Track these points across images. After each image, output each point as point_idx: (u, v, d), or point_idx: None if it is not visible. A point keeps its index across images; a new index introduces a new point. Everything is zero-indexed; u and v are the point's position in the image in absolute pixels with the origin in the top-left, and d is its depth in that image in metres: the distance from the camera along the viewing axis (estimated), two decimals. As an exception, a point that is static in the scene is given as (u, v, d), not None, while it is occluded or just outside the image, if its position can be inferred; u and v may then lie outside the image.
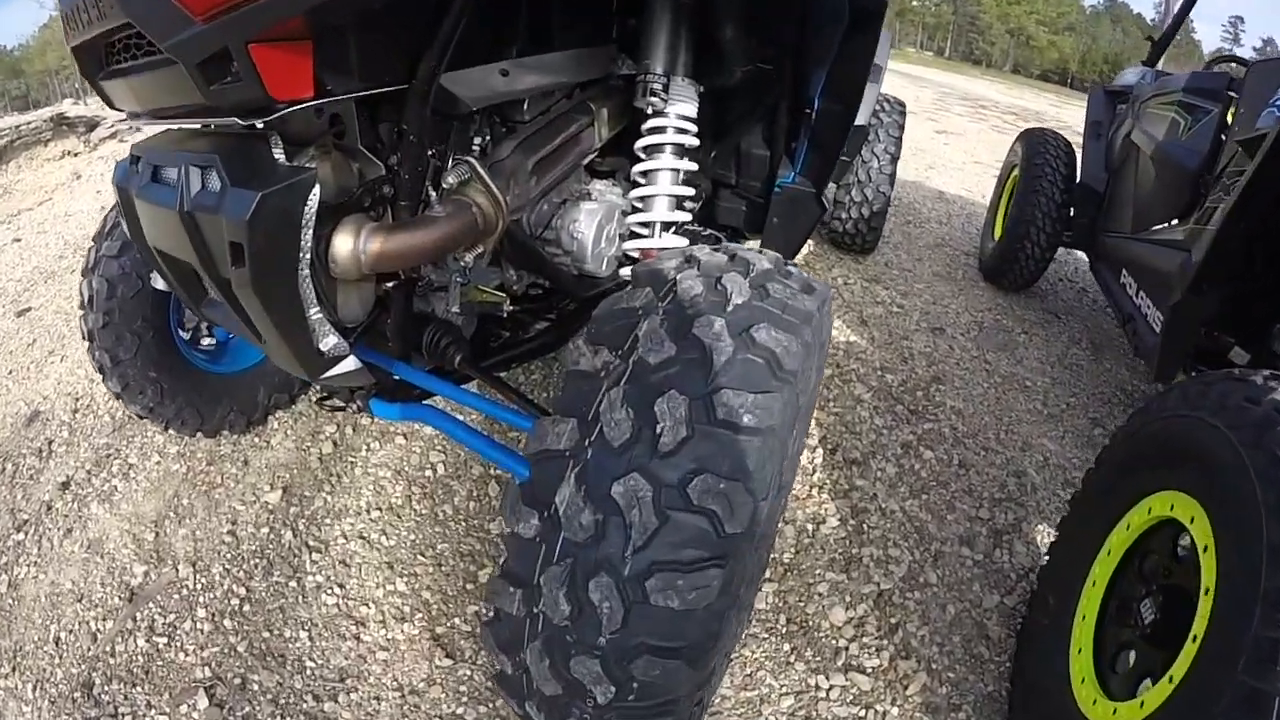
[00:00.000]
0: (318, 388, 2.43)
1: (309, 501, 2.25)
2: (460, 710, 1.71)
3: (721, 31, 1.73)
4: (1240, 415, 1.38)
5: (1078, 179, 3.92)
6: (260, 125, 1.04)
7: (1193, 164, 2.70)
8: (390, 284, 1.44)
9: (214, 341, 2.38)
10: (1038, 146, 4.09)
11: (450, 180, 1.42)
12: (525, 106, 1.61)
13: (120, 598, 1.96)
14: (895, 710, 1.80)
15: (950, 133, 10.41)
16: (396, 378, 1.63)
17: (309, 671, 1.78)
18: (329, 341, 1.27)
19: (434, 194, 1.40)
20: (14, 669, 1.84)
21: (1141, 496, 1.67)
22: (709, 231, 2.27)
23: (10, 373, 3.26)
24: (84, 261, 2.10)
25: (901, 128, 3.97)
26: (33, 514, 2.31)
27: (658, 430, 0.98)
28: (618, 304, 1.18)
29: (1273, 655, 1.11)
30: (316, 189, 1.09)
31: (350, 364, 1.34)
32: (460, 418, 1.63)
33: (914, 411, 2.86)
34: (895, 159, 3.87)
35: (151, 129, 1.35)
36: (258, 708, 1.71)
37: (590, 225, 1.78)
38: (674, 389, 0.99)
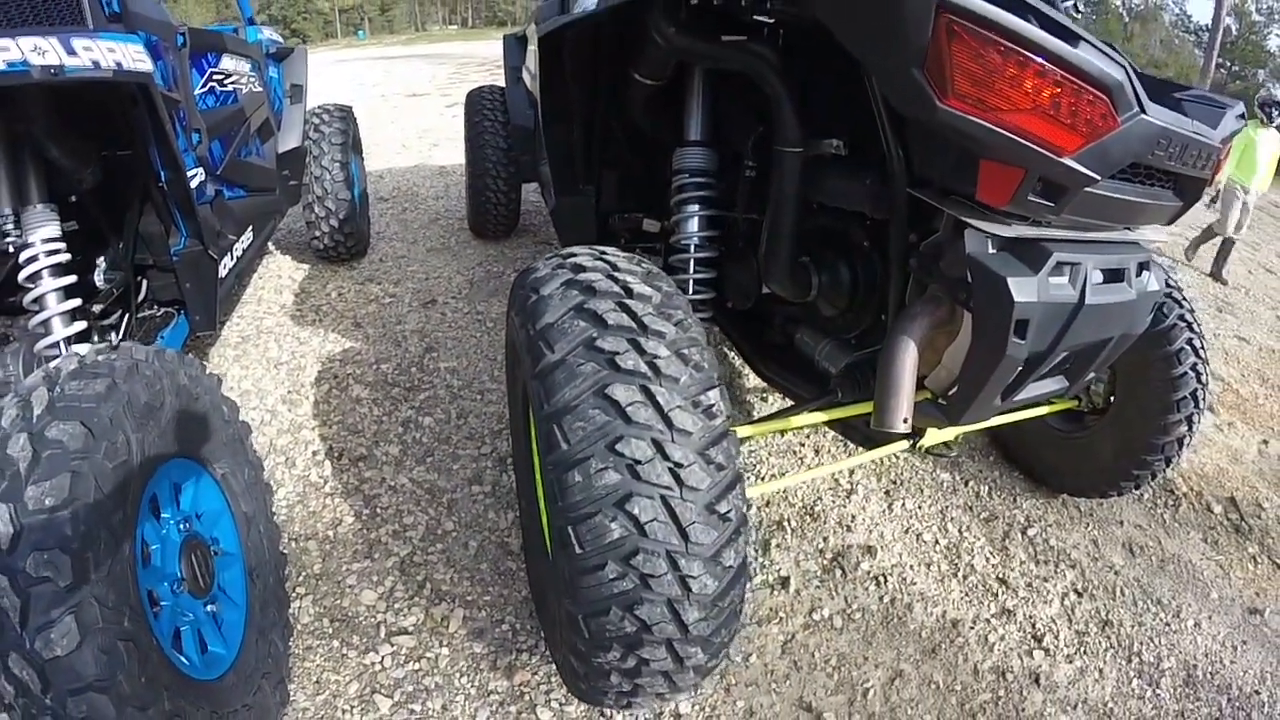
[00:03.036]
0: None
1: None
2: None
3: (49, 152, 1.91)
4: (518, 300, 1.62)
5: (511, 122, 4.32)
6: None
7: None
8: None
9: None
10: (476, 103, 4.44)
11: None
12: None
13: None
14: (446, 650, 1.97)
15: (461, 103, 10.76)
16: None
17: None
18: None
19: None
20: None
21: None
22: (164, 310, 2.53)
23: None
24: None
25: (345, 133, 4.01)
26: None
27: None
28: None
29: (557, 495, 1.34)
30: None
31: None
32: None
33: (410, 388, 3.02)
34: (345, 164, 3.93)
35: None
36: None
37: (17, 365, 1.97)
38: (1, 502, 1.24)
